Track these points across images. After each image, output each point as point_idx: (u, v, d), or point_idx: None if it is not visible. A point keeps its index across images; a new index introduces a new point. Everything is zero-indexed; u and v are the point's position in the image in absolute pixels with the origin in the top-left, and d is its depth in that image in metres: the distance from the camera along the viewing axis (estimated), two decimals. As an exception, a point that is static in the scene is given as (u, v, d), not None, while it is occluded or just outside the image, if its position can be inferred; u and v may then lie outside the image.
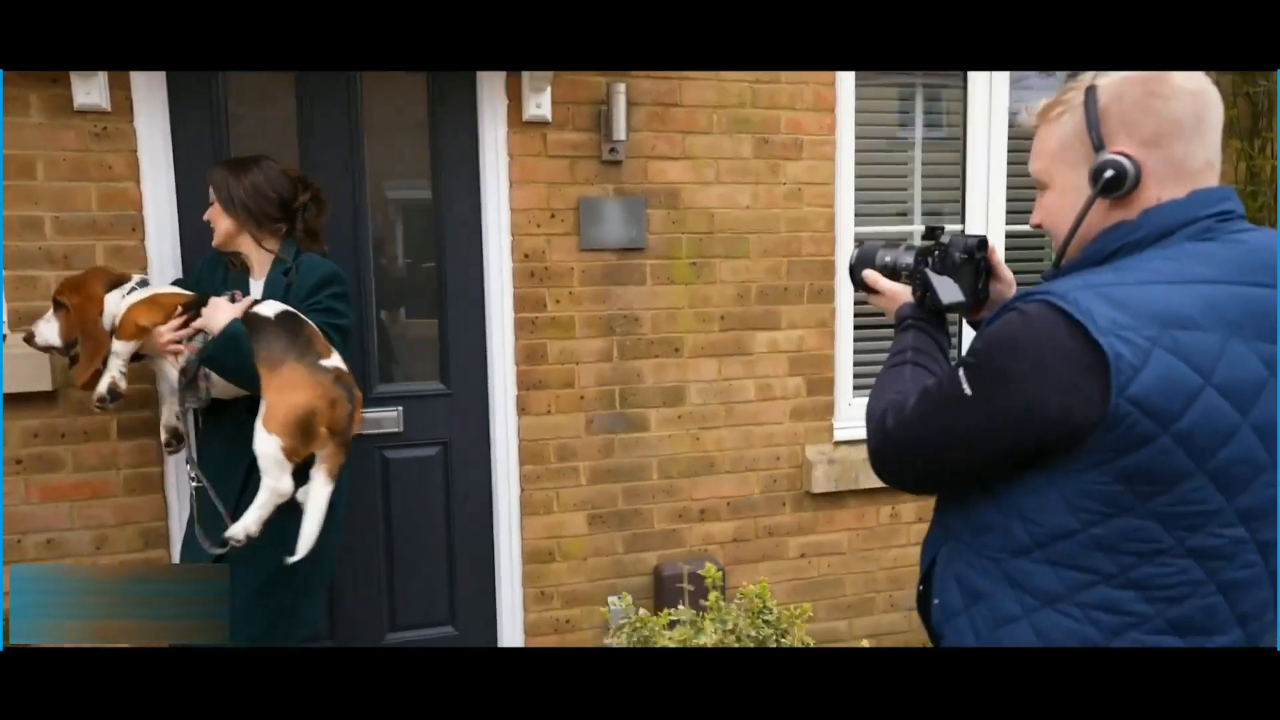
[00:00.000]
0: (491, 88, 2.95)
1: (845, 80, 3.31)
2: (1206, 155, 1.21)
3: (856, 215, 3.41)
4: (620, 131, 2.97)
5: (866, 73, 3.34)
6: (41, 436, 2.70)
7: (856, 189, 3.40)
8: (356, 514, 2.83)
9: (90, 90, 2.58)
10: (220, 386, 2.38)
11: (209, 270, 2.54)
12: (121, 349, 2.38)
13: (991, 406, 1.17)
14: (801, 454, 3.39)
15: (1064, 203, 1.27)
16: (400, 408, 3.00)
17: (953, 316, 1.59)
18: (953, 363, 1.33)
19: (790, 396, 3.35)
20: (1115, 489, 1.11)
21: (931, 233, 1.56)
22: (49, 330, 2.41)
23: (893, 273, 1.59)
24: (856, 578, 3.50)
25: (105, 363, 2.36)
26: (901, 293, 1.55)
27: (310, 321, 2.30)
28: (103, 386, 2.37)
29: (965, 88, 3.50)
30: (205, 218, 2.45)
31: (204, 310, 2.34)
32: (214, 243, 2.47)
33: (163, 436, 2.55)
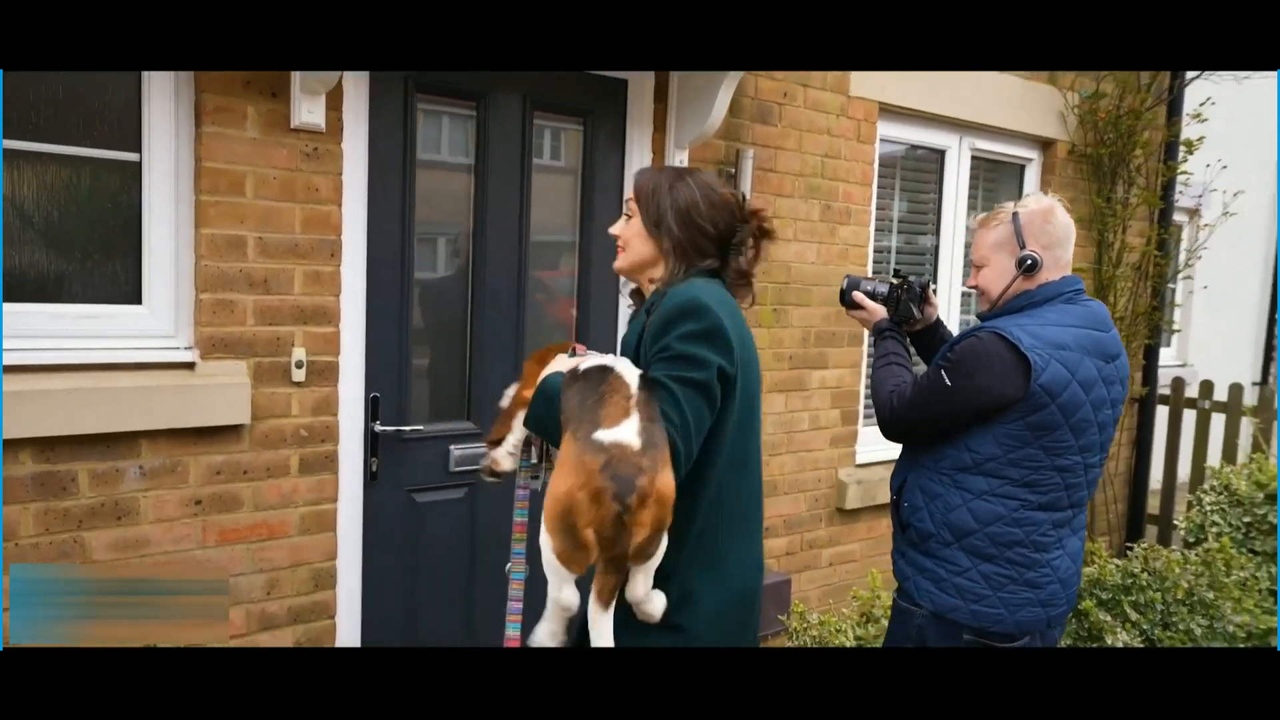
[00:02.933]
0: (640, 142, 3.19)
1: (874, 162, 3.96)
2: (1068, 257, 2.14)
3: (873, 273, 4.07)
4: (746, 191, 3.35)
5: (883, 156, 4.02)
6: (224, 473, 2.47)
7: (874, 251, 4.07)
8: (501, 536, 2.89)
9: (314, 109, 2.47)
10: None
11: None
12: (515, 425, 1.85)
13: (963, 390, 2.02)
14: (835, 476, 3.93)
15: (995, 275, 2.15)
16: (543, 439, 3.09)
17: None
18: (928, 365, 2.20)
19: (830, 426, 3.89)
20: (1024, 432, 2.00)
21: (898, 274, 2.46)
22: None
23: (871, 297, 2.41)
24: (863, 581, 4.10)
25: None
26: (879, 311, 2.39)
27: (622, 372, 1.60)
28: (484, 460, 1.90)
29: (940, 189, 4.31)
30: (614, 233, 1.86)
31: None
32: (617, 266, 1.87)
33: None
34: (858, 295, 2.41)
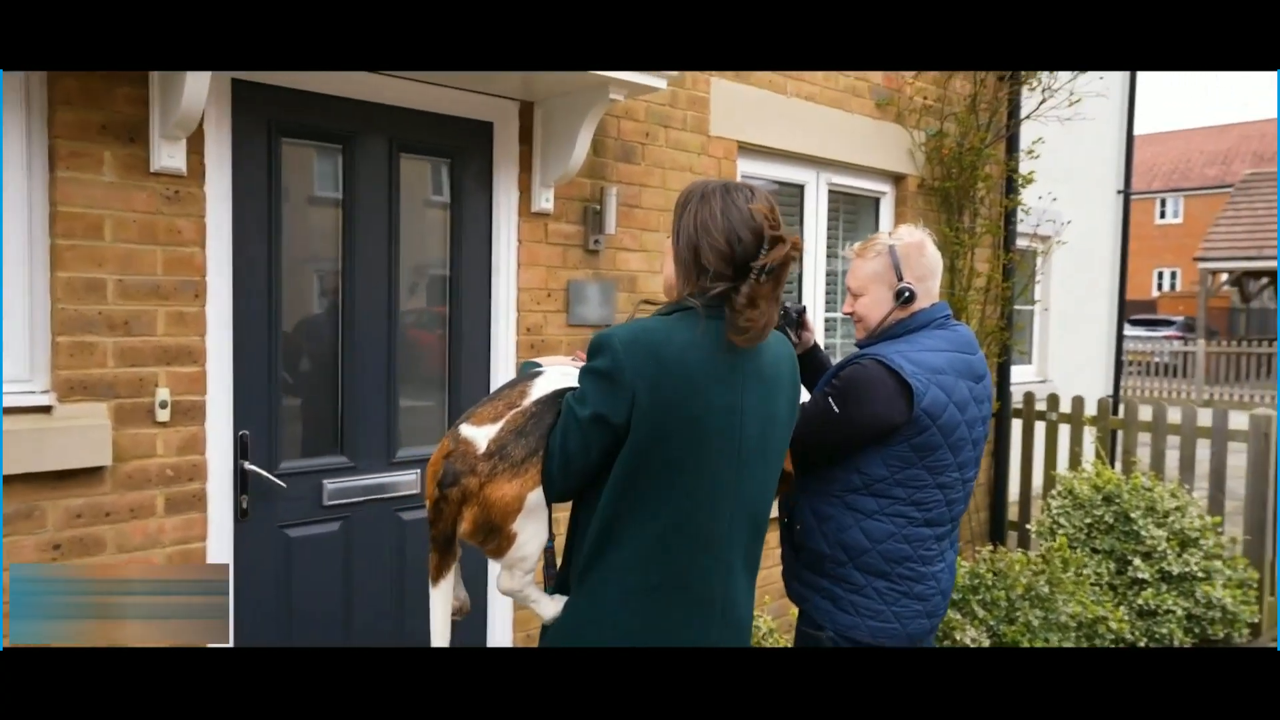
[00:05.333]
0: (507, 182, 3.32)
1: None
2: (937, 286, 2.31)
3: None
4: (611, 226, 3.52)
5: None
6: (85, 516, 2.46)
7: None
8: (374, 567, 2.96)
9: (174, 153, 2.51)
10: None
11: None
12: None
13: (851, 417, 2.12)
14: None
15: (873, 304, 2.29)
16: (418, 471, 3.17)
17: None
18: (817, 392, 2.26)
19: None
20: (909, 454, 2.13)
21: None
22: None
23: None
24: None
25: None
26: None
27: (539, 382, 1.69)
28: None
29: (801, 222, 4.59)
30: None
31: None
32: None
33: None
34: None
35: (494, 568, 2.45)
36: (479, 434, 1.61)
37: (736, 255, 1.59)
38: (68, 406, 2.42)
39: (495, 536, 1.61)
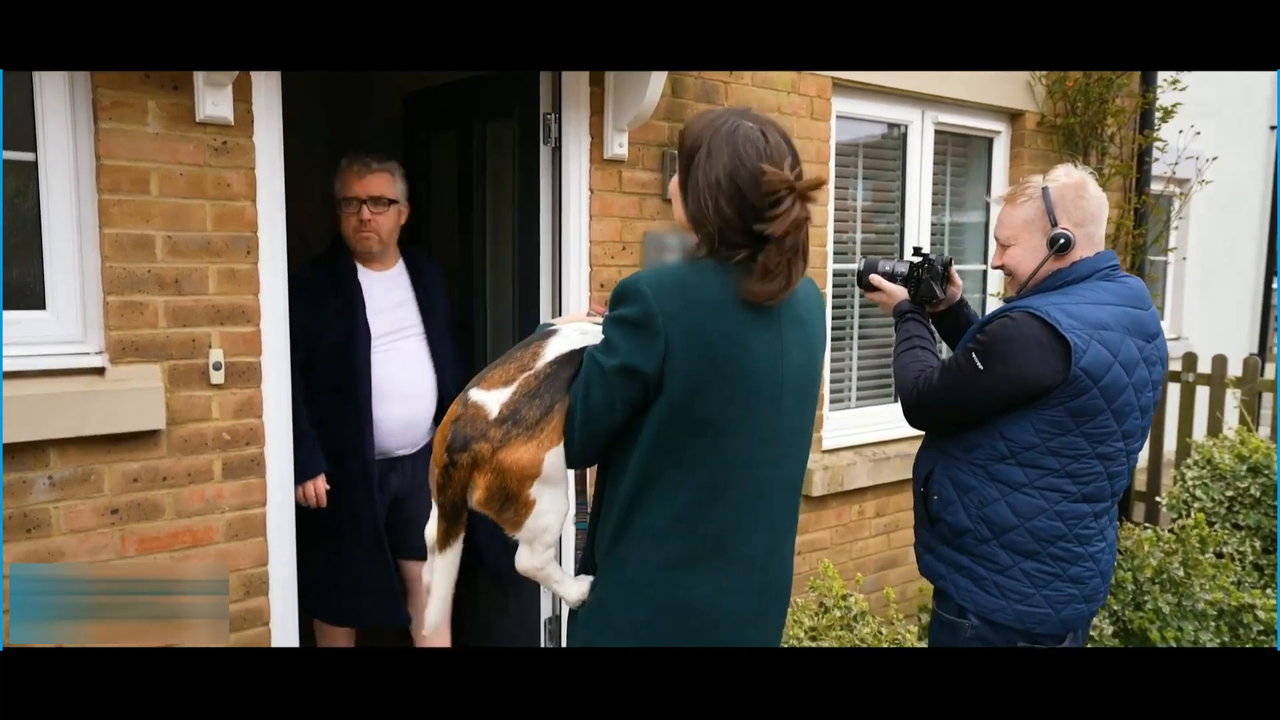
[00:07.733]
0: (577, 126, 3.09)
1: (829, 140, 3.86)
2: (1101, 234, 2.07)
3: (834, 254, 3.97)
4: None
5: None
6: (142, 480, 2.40)
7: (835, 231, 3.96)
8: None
9: (219, 101, 2.38)
10: None
11: None
12: None
13: (997, 375, 1.90)
14: (801, 462, 3.84)
15: (1024, 255, 2.06)
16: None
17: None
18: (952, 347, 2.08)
19: (794, 412, 3.79)
20: (1065, 419, 1.90)
21: (918, 251, 2.31)
22: None
23: (890, 277, 2.29)
24: (835, 568, 4.01)
25: None
26: (898, 292, 2.27)
27: (552, 341, 1.55)
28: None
29: (904, 168, 4.20)
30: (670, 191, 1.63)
31: None
32: None
33: None
34: (875, 278, 2.31)
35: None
36: (490, 398, 1.50)
37: (747, 222, 1.44)
38: (120, 368, 2.34)
39: (512, 504, 1.50)
